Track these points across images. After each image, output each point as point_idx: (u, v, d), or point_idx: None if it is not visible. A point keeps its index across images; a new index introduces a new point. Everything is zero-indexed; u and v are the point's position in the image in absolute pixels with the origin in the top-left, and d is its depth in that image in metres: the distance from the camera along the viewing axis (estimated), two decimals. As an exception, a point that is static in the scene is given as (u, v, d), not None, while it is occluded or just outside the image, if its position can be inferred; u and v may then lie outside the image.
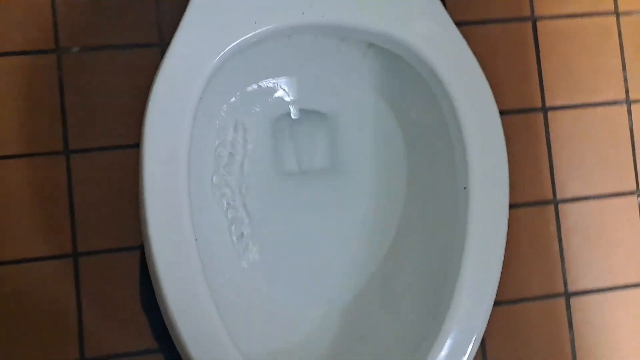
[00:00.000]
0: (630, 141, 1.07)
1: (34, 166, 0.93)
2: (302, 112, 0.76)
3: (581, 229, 1.05)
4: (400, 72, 0.69)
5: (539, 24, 1.07)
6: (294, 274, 0.73)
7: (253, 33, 0.58)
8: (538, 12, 1.07)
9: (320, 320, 0.70)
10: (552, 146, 1.05)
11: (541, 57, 1.06)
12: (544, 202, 1.05)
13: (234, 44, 0.58)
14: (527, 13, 1.06)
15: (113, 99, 0.95)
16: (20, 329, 0.91)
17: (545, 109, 1.06)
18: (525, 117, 1.05)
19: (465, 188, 0.60)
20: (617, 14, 1.09)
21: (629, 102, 1.08)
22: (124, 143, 0.94)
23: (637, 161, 1.07)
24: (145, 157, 0.63)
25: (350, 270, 0.72)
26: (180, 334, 0.61)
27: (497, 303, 1.02)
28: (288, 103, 0.75)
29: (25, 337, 0.91)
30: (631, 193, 1.07)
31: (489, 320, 1.03)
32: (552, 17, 1.07)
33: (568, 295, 1.04)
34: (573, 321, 1.04)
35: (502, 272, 1.02)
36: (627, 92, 1.08)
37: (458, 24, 1.04)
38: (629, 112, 1.08)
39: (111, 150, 0.95)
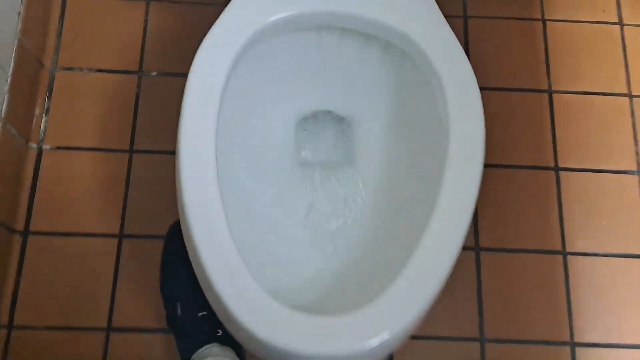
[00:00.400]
0: (641, 208, 1.13)
1: (103, 159, 1.10)
2: (324, 113, 0.90)
3: (589, 283, 1.09)
4: (407, 72, 0.82)
5: (555, 97, 1.19)
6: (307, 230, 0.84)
7: (280, 16, 0.74)
8: (554, 86, 1.20)
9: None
10: (562, 203, 1.13)
11: (555, 125, 1.17)
12: (553, 252, 1.10)
13: (271, 19, 0.74)
14: (545, 87, 1.20)
15: (177, 114, 1.12)
16: (62, 293, 1.03)
17: (557, 169, 1.15)
18: (538, 173, 1.14)
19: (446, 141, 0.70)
20: (630, 96, 1.20)
21: (640, 173, 1.16)
22: (179, 149, 1.10)
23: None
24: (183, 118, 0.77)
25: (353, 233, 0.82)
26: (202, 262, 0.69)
27: (502, 341, 1.06)
28: (312, 104, 0.90)
29: (63, 300, 1.03)
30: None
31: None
32: (567, 92, 1.19)
33: (574, 344, 1.05)
34: (579, 373, 1.04)
35: (508, 312, 1.07)
36: (638, 164, 1.16)
37: (483, 88, 1.19)
38: (641, 182, 1.15)
39: (167, 154, 1.11)
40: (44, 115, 1.12)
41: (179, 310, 0.96)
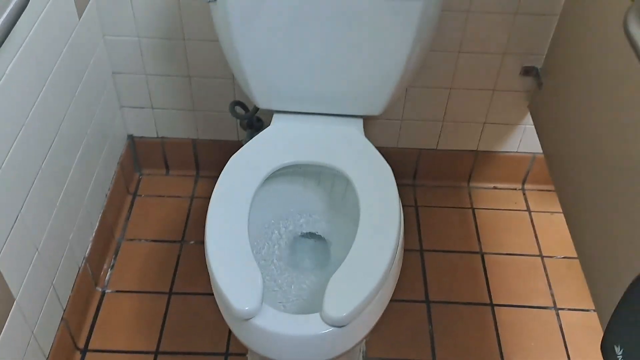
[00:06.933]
0: (561, 338, 1.37)
1: (147, 298, 1.40)
2: (308, 234, 1.24)
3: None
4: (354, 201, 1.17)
5: (486, 257, 1.52)
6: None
7: (279, 164, 1.13)
8: (484, 249, 1.53)
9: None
10: (500, 334, 1.37)
11: (488, 276, 1.47)
12: (494, 366, 1.31)
13: (271, 169, 1.13)
14: (477, 249, 1.53)
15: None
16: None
17: (492, 305, 1.42)
18: (477, 309, 1.41)
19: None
20: (541, 256, 1.52)
21: (556, 308, 1.42)
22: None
23: (570, 353, 1.34)
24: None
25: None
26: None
27: None
28: (301, 227, 1.24)
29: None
30: (566, 370, 1.31)
31: None
32: (495, 254, 1.52)
33: None
34: None
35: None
36: (554, 302, 1.43)
37: (430, 250, 1.53)
38: (557, 315, 1.40)
39: (202, 296, 1.40)
40: (109, 269, 1.45)
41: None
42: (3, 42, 0.80)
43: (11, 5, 0.82)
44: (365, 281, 0.94)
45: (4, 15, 0.79)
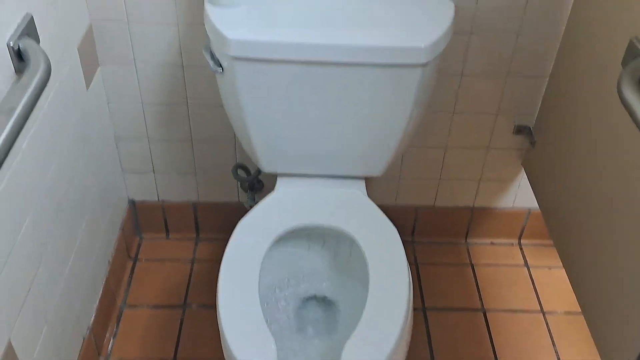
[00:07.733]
0: (567, 391, 1.37)
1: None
2: (314, 296, 1.24)
3: None
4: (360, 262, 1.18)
5: (489, 314, 1.52)
6: None
7: (285, 229, 1.15)
8: (486, 306, 1.54)
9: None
10: (506, 388, 1.37)
11: (492, 334, 1.48)
12: None
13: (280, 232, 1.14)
14: (479, 306, 1.54)
15: (210, 330, 1.44)
16: None
17: (497, 362, 1.42)
18: (484, 367, 1.41)
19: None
20: (542, 312, 1.53)
21: (561, 365, 1.42)
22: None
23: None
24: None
25: None
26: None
27: None
28: (307, 290, 1.24)
29: None
30: None
31: None
32: (496, 310, 1.53)
33: None
34: None
35: None
36: (558, 359, 1.43)
37: (433, 309, 1.53)
38: (563, 371, 1.41)
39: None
40: (112, 338, 1.43)
41: None
42: (25, 123, 0.81)
43: (33, 85, 0.84)
44: (380, 346, 0.95)
45: (26, 96, 0.81)
